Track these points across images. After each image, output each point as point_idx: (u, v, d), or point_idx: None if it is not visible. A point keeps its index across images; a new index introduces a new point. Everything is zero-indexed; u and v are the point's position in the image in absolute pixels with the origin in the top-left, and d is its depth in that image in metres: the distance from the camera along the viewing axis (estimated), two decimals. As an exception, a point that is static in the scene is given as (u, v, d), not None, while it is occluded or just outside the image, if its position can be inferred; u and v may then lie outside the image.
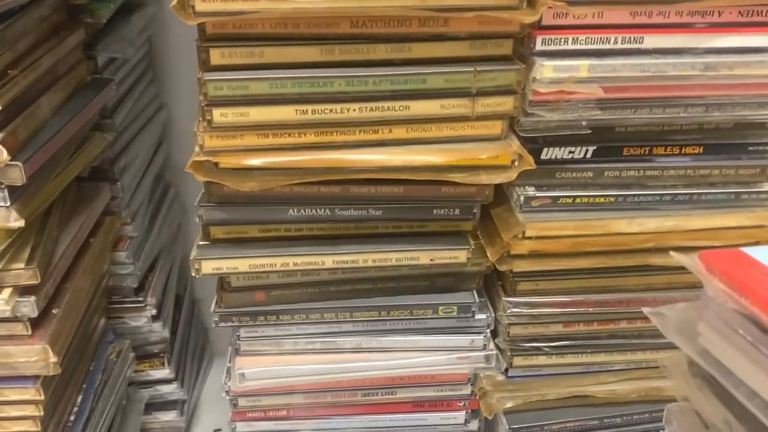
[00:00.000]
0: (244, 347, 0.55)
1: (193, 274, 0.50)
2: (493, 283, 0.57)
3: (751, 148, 0.52)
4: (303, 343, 0.55)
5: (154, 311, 0.81)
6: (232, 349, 0.56)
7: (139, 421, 0.86)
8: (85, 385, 0.70)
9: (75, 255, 0.65)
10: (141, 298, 0.80)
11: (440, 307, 0.54)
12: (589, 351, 0.57)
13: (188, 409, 0.94)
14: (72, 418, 0.67)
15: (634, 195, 0.52)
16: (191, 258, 0.50)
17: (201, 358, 1.05)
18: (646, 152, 0.52)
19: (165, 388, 0.88)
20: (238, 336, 0.55)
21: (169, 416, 0.90)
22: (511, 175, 0.47)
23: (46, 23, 0.60)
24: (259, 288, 0.53)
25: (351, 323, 0.55)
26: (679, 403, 0.40)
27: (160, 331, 0.83)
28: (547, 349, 0.56)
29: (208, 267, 0.50)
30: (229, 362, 0.57)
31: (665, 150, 0.52)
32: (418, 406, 0.59)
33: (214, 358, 1.11)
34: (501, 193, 0.54)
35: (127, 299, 0.80)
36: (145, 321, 0.82)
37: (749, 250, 0.33)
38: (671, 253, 0.33)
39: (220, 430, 0.98)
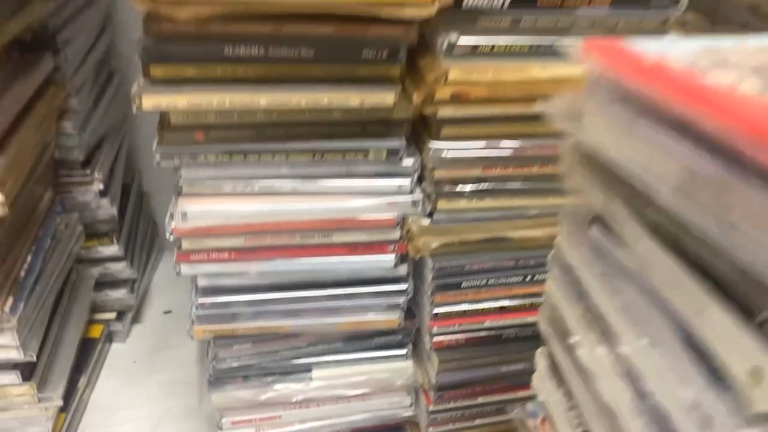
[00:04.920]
0: (186, 189, 0.59)
1: (134, 110, 0.53)
2: (420, 133, 0.62)
3: (653, 2, 0.57)
4: (242, 186, 0.59)
5: (101, 186, 0.84)
6: (174, 192, 0.60)
7: (90, 296, 0.90)
8: (34, 248, 0.73)
9: (20, 114, 0.67)
10: (88, 172, 0.83)
11: (371, 151, 0.59)
12: (505, 195, 0.62)
13: (138, 288, 0.98)
14: (23, 274, 0.70)
15: (548, 45, 0.56)
16: (132, 93, 0.52)
17: (151, 248, 1.08)
18: (559, 3, 0.56)
19: (114, 266, 0.92)
20: (180, 176, 0.58)
21: (119, 293, 0.94)
22: (431, 11, 0.51)
23: None
24: (198, 127, 0.56)
25: (287, 166, 0.59)
26: (570, 203, 0.46)
27: (107, 207, 0.86)
28: (467, 192, 0.61)
29: (149, 102, 0.53)
30: (172, 208, 0.61)
31: (576, 1, 0.56)
32: (352, 249, 0.64)
33: (164, 250, 1.14)
34: (427, 46, 0.58)
35: (74, 173, 0.83)
36: (93, 196, 0.85)
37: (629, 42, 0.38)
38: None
39: (170, 311, 1.03)
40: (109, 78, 0.94)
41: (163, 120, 0.56)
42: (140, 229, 1.02)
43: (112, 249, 0.90)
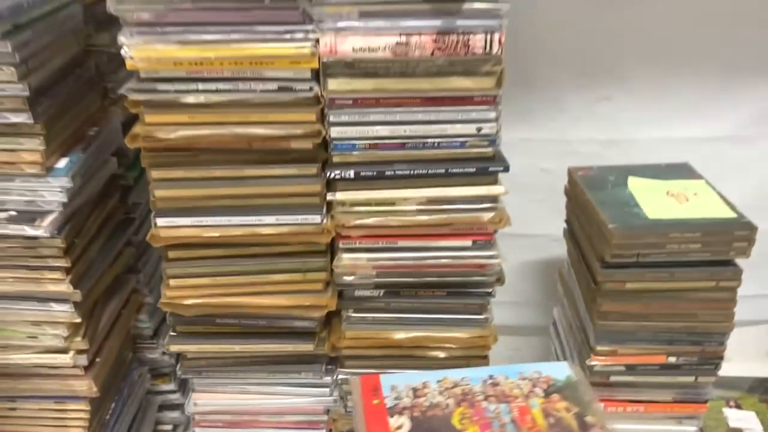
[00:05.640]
0: (196, 387, 1.00)
1: (164, 351, 0.94)
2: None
3: (472, 293, 0.92)
4: (229, 388, 0.99)
5: (163, 349, 1.26)
6: (189, 389, 1.01)
7: (154, 416, 1.32)
8: (117, 397, 1.16)
9: (111, 323, 1.10)
10: (155, 341, 1.26)
11: (302, 373, 0.97)
12: (390, 400, 0.98)
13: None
14: (108, 416, 1.12)
15: (406, 317, 0.93)
16: (164, 343, 0.94)
17: (202, 373, 1.50)
18: (415, 294, 0.92)
19: (171, 396, 1.34)
20: (194, 382, 0.99)
21: (174, 414, 1.35)
22: (323, 313, 0.89)
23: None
24: (203, 360, 0.97)
25: (255, 380, 0.98)
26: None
27: (168, 360, 1.29)
28: (366, 398, 0.98)
29: (174, 348, 0.94)
30: (189, 396, 1.01)
31: (424, 291, 0.92)
32: (298, 424, 1.02)
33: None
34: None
35: (145, 341, 1.26)
36: (159, 355, 1.27)
37: (383, 377, 0.74)
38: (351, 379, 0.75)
39: (210, 424, 1.44)
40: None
41: (183, 355, 0.97)
42: (193, 364, 1.44)
43: (170, 386, 1.32)
